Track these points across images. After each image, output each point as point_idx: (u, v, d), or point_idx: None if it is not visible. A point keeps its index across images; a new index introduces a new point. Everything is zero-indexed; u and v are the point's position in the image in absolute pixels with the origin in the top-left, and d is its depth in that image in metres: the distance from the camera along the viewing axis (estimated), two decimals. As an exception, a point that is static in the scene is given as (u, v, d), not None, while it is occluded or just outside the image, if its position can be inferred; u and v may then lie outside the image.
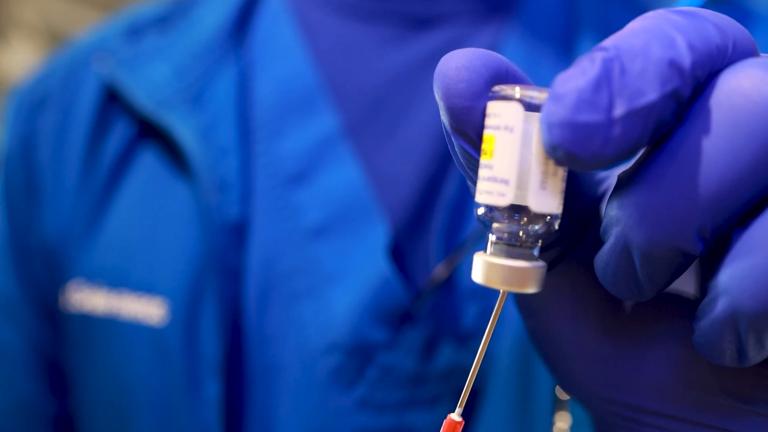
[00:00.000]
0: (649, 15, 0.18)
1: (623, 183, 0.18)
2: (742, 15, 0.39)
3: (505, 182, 0.18)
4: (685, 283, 0.22)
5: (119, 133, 0.43)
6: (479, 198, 0.19)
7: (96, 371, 0.41)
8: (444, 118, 0.19)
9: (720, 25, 0.18)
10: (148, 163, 0.42)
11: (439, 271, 0.36)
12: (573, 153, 0.17)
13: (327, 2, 0.43)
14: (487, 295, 0.36)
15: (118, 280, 0.40)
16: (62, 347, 0.44)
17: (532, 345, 0.23)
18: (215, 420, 0.37)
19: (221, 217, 0.38)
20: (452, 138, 0.20)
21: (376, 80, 0.41)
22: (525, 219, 0.19)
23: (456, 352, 0.36)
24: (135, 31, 0.46)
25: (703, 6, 0.36)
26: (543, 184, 0.18)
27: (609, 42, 0.17)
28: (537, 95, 0.18)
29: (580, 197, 0.21)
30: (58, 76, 0.47)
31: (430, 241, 0.38)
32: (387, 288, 0.36)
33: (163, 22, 0.47)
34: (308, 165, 0.40)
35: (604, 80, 0.16)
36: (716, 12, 0.18)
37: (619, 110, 0.16)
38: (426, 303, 0.36)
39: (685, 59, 0.17)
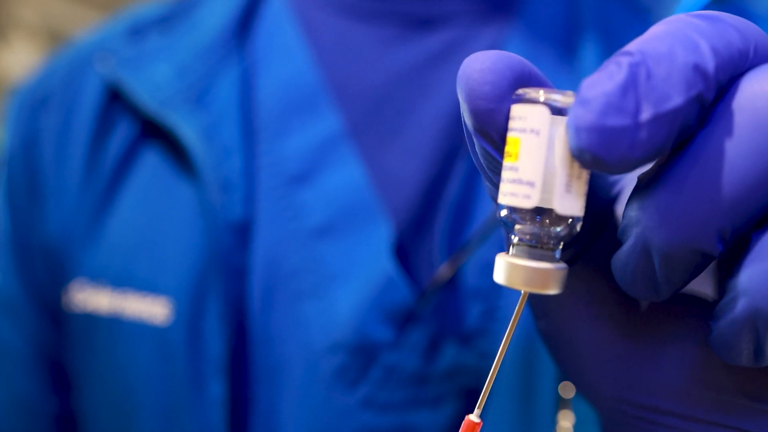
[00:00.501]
0: (672, 19, 0.18)
1: (644, 185, 0.18)
2: (742, 15, 0.39)
3: (531, 184, 0.19)
4: (700, 284, 0.22)
5: (122, 132, 0.43)
6: (503, 200, 0.19)
7: (99, 371, 0.41)
8: (467, 119, 0.20)
9: (741, 29, 0.18)
10: (151, 162, 0.42)
11: (443, 270, 0.36)
12: (600, 157, 0.17)
13: (329, 2, 0.43)
14: (490, 295, 0.36)
15: (121, 280, 0.40)
16: (65, 347, 0.44)
17: (543, 345, 0.23)
18: (219, 419, 0.37)
19: (225, 217, 0.38)
20: (475, 139, 0.20)
21: (379, 80, 0.41)
22: (548, 221, 0.19)
23: (459, 351, 0.36)
24: (137, 31, 0.46)
25: (706, 7, 0.36)
26: (568, 187, 0.19)
27: (634, 46, 0.17)
28: (561, 99, 0.19)
29: (594, 199, 0.22)
30: (60, 76, 0.47)
31: (434, 241, 0.38)
32: (391, 287, 0.36)
33: (165, 22, 0.47)
34: (311, 165, 0.40)
35: (630, 85, 0.17)
36: (736, 16, 0.18)
37: (645, 114, 0.17)
38: (429, 302, 0.36)
39: (709, 64, 0.17)
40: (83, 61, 0.47)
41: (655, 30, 0.18)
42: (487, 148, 0.20)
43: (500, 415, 0.35)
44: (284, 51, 0.43)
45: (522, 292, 0.20)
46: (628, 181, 0.22)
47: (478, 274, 0.36)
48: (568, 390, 0.34)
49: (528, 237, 0.20)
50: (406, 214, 0.38)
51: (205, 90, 0.42)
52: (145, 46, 0.45)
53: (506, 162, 0.19)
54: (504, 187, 0.19)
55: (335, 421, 0.36)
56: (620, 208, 0.22)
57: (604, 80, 0.17)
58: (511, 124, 0.19)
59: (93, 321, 0.41)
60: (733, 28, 0.18)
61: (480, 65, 0.19)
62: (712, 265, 0.22)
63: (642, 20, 0.40)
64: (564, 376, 0.23)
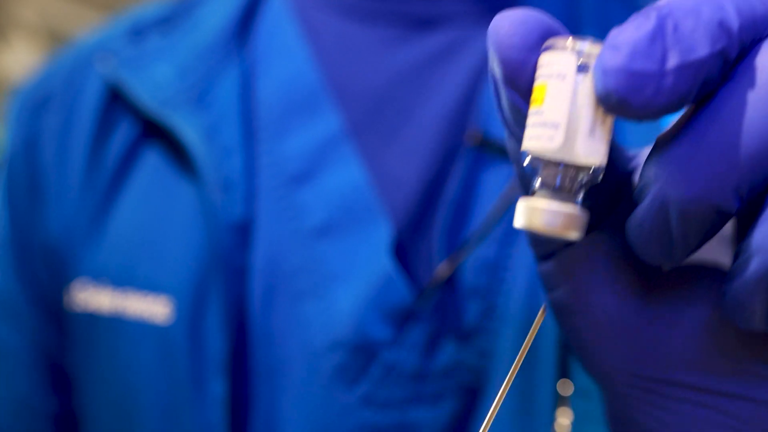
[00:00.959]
0: None
1: (663, 143, 0.19)
2: None
3: (555, 126, 0.19)
4: (717, 254, 0.22)
5: (123, 132, 0.43)
6: (527, 144, 0.19)
7: (101, 370, 0.42)
8: (496, 69, 0.20)
9: None
10: (152, 162, 0.42)
11: (442, 269, 0.37)
12: (626, 99, 0.17)
13: (329, 3, 0.44)
14: (488, 293, 0.36)
15: (123, 279, 0.40)
16: (66, 346, 0.44)
17: (554, 319, 0.23)
18: (220, 418, 0.37)
19: (226, 217, 0.38)
20: (502, 91, 0.20)
21: (378, 80, 0.41)
22: (571, 166, 0.19)
23: (458, 349, 0.36)
24: (138, 32, 0.46)
25: None
26: (592, 131, 0.19)
27: (663, 2, 0.18)
28: (588, 47, 0.19)
29: (611, 170, 0.22)
30: (61, 76, 0.47)
31: (433, 240, 0.38)
32: (390, 286, 0.36)
33: (165, 22, 0.47)
34: (312, 165, 0.40)
35: (658, 34, 0.17)
36: None
37: (672, 62, 0.17)
38: (429, 301, 0.36)
39: (734, 22, 0.18)
40: (84, 62, 0.47)
41: None
42: (514, 98, 0.20)
43: (499, 413, 0.35)
44: (284, 51, 0.43)
45: (539, 312, 0.20)
46: (645, 156, 0.22)
47: (476, 273, 0.37)
48: (566, 387, 0.34)
49: (550, 181, 0.20)
50: (405, 213, 0.38)
51: (205, 90, 0.42)
52: (146, 47, 0.45)
53: (532, 108, 0.19)
54: (528, 132, 0.19)
55: (335, 419, 0.36)
56: (637, 179, 0.22)
57: (632, 29, 0.18)
58: (539, 71, 0.19)
59: (94, 320, 0.41)
60: None
61: (511, 19, 0.20)
62: (729, 236, 0.22)
63: None
64: (575, 351, 0.23)
